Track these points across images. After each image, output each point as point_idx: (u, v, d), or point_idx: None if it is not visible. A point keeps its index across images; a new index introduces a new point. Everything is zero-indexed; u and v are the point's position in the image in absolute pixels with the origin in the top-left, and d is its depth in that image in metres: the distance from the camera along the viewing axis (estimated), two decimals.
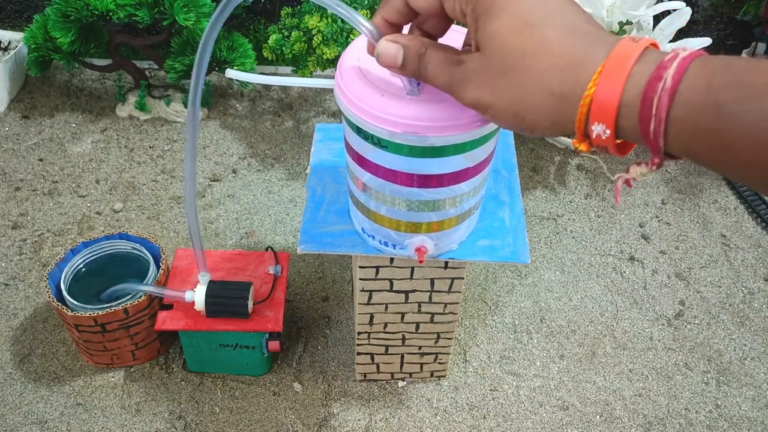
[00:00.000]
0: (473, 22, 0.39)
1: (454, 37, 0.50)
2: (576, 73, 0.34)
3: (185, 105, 1.25)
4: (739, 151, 0.30)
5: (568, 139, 1.21)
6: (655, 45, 0.35)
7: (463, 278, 0.71)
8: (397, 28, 0.46)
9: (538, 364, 0.91)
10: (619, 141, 0.36)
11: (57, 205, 1.09)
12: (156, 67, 1.33)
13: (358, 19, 0.45)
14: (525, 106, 0.37)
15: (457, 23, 0.46)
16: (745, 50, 1.31)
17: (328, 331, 0.94)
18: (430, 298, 0.74)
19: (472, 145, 0.52)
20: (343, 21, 1.02)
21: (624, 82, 0.33)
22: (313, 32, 1.04)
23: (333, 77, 0.54)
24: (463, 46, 0.46)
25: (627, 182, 0.37)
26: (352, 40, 0.82)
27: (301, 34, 1.06)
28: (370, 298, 0.73)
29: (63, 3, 1.06)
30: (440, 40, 0.47)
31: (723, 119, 0.30)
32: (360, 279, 0.71)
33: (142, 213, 1.09)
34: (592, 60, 0.34)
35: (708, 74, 0.31)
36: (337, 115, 1.28)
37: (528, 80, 0.36)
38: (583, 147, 0.36)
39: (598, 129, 0.34)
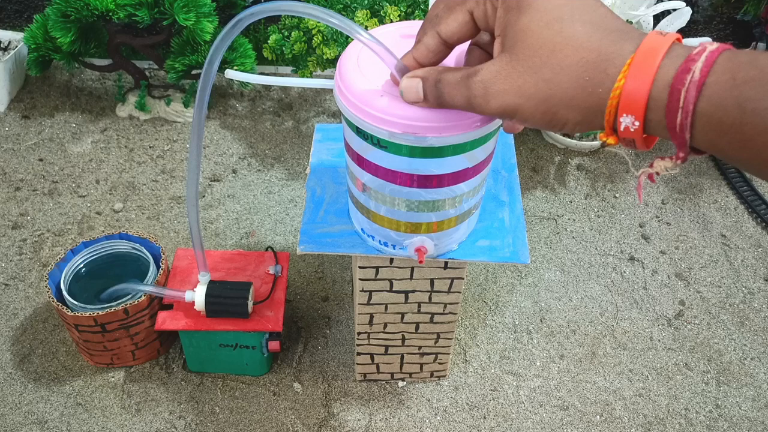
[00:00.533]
0: (503, 16, 0.39)
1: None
2: (605, 67, 0.35)
3: (185, 105, 1.25)
4: (762, 147, 0.30)
5: (569, 139, 1.20)
6: (679, 40, 0.35)
7: (462, 278, 0.71)
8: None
9: (538, 364, 0.91)
10: (644, 135, 0.36)
11: (57, 205, 1.09)
12: (156, 67, 1.33)
13: (387, 54, 0.45)
14: (555, 103, 0.37)
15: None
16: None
17: (328, 331, 0.94)
18: (430, 298, 0.74)
19: (471, 146, 0.52)
20: None
21: (654, 73, 0.33)
22: (313, 32, 1.04)
23: (333, 77, 0.54)
24: (470, 45, 0.47)
25: (650, 177, 0.37)
26: (352, 40, 0.82)
27: (301, 34, 1.06)
28: (370, 298, 0.73)
29: (63, 3, 1.06)
30: None
31: (746, 115, 0.30)
32: (360, 279, 0.71)
33: (142, 213, 1.09)
34: (620, 54, 0.34)
35: (733, 69, 0.31)
36: (337, 115, 1.28)
37: (557, 76, 0.36)
38: (610, 140, 0.37)
39: (626, 121, 0.35)
